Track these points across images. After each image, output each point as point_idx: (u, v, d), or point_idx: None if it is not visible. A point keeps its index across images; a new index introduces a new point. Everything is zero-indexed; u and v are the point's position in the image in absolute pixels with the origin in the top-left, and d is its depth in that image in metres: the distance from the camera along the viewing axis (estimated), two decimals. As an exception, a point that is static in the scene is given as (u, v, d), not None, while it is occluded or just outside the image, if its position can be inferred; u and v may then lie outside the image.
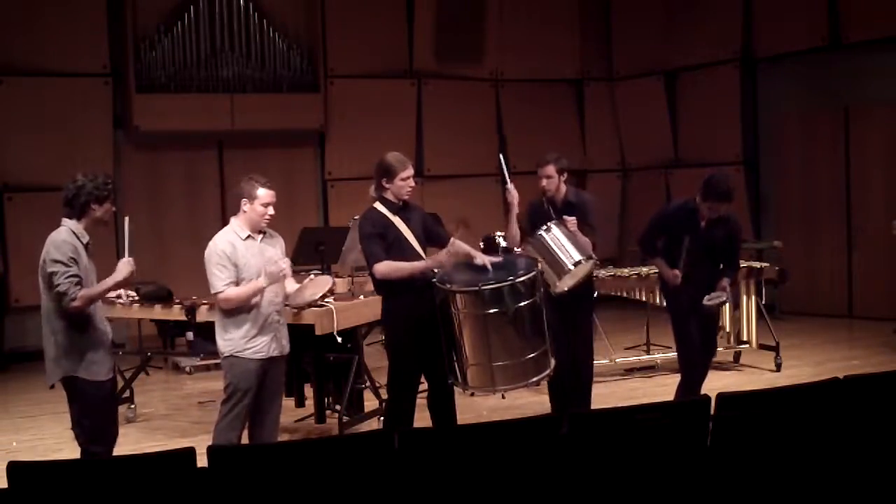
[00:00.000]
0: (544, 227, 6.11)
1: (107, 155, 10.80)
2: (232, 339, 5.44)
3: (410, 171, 5.72)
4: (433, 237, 5.86)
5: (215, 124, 11.08)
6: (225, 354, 5.49)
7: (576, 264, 6.01)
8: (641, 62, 12.84)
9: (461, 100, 12.40)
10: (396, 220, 5.66)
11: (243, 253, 5.44)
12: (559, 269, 6.04)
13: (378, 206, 5.72)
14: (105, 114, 10.80)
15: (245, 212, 5.50)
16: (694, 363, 6.51)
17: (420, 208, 6.03)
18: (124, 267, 5.00)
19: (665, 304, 6.90)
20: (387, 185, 5.68)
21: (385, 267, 5.55)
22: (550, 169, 6.48)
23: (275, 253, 5.57)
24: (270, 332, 5.53)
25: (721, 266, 6.50)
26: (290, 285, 5.75)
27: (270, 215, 5.52)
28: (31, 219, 10.41)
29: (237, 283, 5.40)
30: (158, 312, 7.18)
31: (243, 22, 11.12)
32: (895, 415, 4.27)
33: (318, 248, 7.84)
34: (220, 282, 5.40)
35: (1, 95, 10.37)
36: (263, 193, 5.48)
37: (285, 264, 5.49)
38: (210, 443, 5.22)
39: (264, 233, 5.60)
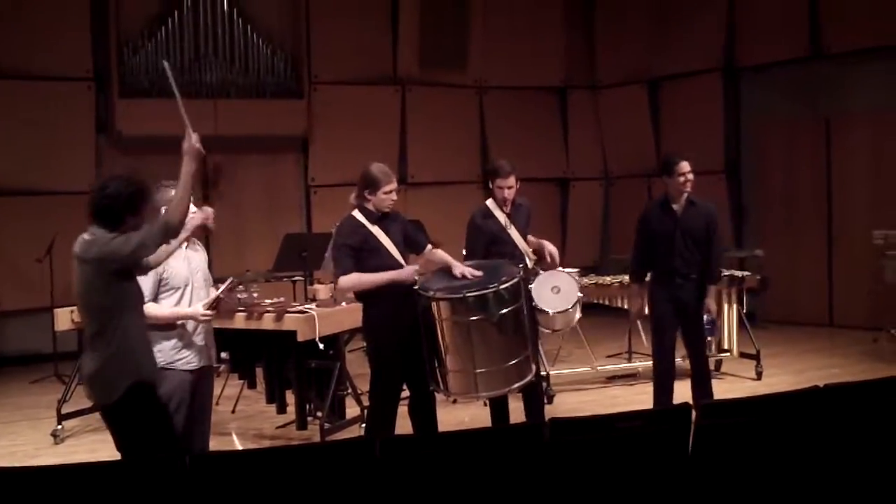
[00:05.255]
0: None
1: (89, 160, 10.74)
2: (162, 351, 5.04)
3: (394, 185, 5.68)
4: (411, 244, 5.84)
5: (198, 129, 10.82)
6: None
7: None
8: (625, 70, 12.88)
9: (445, 107, 12.39)
10: (375, 230, 5.64)
11: (171, 261, 5.07)
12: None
13: (356, 214, 5.69)
14: (88, 118, 10.74)
15: None
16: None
17: (401, 216, 5.98)
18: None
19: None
20: (369, 197, 5.65)
21: (348, 281, 5.55)
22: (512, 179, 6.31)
23: (200, 262, 5.29)
24: (200, 341, 5.21)
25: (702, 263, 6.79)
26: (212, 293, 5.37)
27: (194, 213, 5.16)
28: (14, 223, 10.38)
29: (156, 297, 5.06)
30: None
31: (227, 27, 11.09)
32: (875, 423, 4.29)
33: (301, 254, 7.85)
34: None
35: (-17, 99, 10.31)
36: None
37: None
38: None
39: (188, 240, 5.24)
